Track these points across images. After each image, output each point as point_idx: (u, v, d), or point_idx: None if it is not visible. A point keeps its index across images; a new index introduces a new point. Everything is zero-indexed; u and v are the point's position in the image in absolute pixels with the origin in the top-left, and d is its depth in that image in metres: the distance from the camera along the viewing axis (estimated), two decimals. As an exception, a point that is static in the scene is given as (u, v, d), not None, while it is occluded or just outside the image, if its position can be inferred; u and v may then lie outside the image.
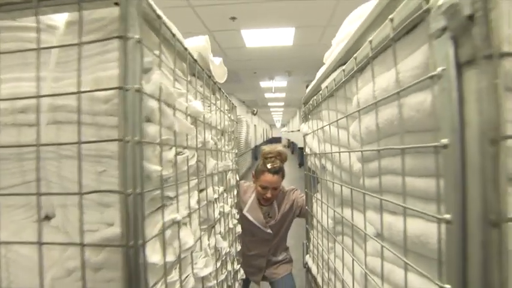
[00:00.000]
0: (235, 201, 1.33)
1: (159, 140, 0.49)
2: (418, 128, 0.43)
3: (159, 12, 0.50)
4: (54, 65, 0.51)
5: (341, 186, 0.75)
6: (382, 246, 0.51)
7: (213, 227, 0.84)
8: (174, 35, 0.56)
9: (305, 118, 1.26)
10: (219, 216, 0.90)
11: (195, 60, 0.70)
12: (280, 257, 1.72)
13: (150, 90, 0.47)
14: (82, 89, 0.43)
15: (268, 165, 1.50)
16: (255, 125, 13.86)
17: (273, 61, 4.75)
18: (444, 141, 0.33)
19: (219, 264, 0.87)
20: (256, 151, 11.92)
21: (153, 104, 0.48)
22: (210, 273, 0.72)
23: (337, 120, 0.76)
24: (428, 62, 0.39)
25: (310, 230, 1.27)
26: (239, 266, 1.30)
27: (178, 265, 0.56)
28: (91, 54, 0.48)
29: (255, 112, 11.89)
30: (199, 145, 0.69)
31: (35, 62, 0.44)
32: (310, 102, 1.12)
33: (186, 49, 0.63)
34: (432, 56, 0.36)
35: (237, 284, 1.23)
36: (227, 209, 1.02)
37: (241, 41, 3.71)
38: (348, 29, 0.83)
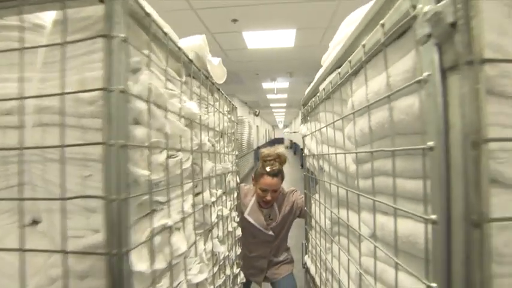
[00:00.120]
0: (236, 203, 1.31)
1: (148, 143, 0.48)
2: (408, 131, 0.44)
3: (148, 9, 0.48)
4: (41, 65, 0.50)
5: (337, 187, 0.76)
6: (375, 247, 0.52)
7: (210, 231, 0.83)
8: (165, 34, 0.54)
9: (304, 119, 1.27)
10: (216, 220, 0.88)
11: (191, 60, 0.68)
12: (281, 258, 1.73)
13: (138, 91, 0.46)
14: (67, 90, 0.42)
15: (267, 168, 1.50)
16: (257, 126, 13.88)
17: (274, 62, 4.76)
18: (430, 143, 0.34)
19: (216, 269, 0.85)
20: (258, 152, 11.91)
21: (141, 105, 0.46)
22: (206, 279, 0.70)
23: (333, 122, 0.77)
24: (416, 66, 0.40)
25: (309, 230, 1.28)
26: (239, 269, 1.28)
27: (169, 272, 0.54)
28: (77, 54, 0.46)
29: (257, 113, 11.90)
30: (195, 147, 0.68)
31: (21, 62, 0.43)
32: (309, 104, 1.13)
33: (180, 48, 0.61)
34: (419, 61, 0.37)
35: (236, 288, 1.20)
36: (226, 212, 1.00)
37: (242, 42, 3.73)
38: (345, 31, 0.84)
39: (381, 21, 0.45)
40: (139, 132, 0.47)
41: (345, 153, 0.69)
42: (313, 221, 1.17)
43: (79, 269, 0.45)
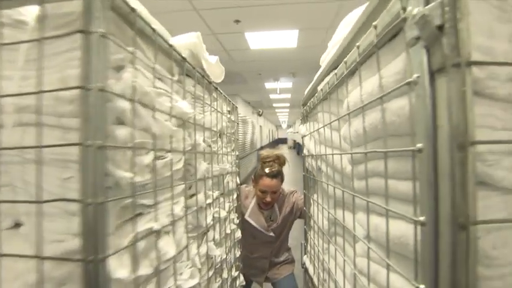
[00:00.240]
0: (235, 205, 1.29)
1: (132, 144, 0.46)
2: (400, 132, 0.44)
3: (134, 4, 0.46)
4: (22, 63, 0.48)
5: (334, 188, 0.76)
6: (369, 248, 0.52)
7: (205, 233, 0.80)
8: (154, 30, 0.52)
9: (303, 120, 1.27)
10: (212, 222, 0.86)
11: (184, 58, 0.65)
12: (282, 258, 1.74)
13: (121, 90, 0.44)
14: (47, 88, 0.40)
15: (267, 170, 1.50)
16: (260, 126, 13.88)
17: (277, 63, 4.76)
18: (419, 145, 0.34)
19: (211, 272, 0.82)
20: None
21: (124, 104, 0.44)
22: (199, 284, 0.68)
23: (330, 123, 0.77)
24: (407, 68, 0.40)
25: (308, 231, 1.28)
26: (237, 272, 1.26)
27: (156, 278, 0.52)
28: (60, 51, 0.44)
29: (260, 113, 11.90)
30: (189, 148, 0.66)
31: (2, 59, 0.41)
32: (308, 104, 1.13)
33: (171, 46, 0.58)
34: (409, 63, 0.37)
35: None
36: (223, 214, 0.97)
37: (245, 43, 3.73)
38: (343, 32, 0.84)
39: (374, 23, 0.45)
40: (122, 132, 0.44)
41: (341, 154, 0.70)
42: (312, 221, 1.17)
43: (57, 275, 0.43)
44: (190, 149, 0.67)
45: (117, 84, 0.44)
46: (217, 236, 0.90)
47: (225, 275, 1.00)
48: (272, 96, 8.50)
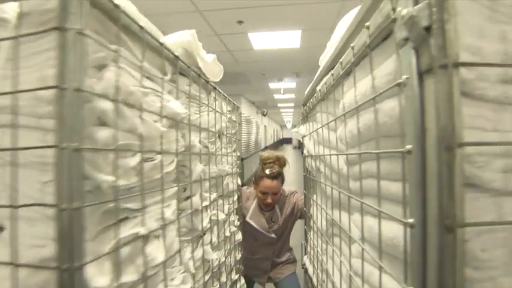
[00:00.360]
0: (235, 207, 1.26)
1: (115, 146, 0.43)
2: (392, 133, 0.44)
3: (120, 1, 0.44)
4: (3, 61, 0.46)
5: (331, 188, 0.76)
6: (363, 249, 0.51)
7: (201, 237, 0.77)
8: (141, 28, 0.49)
9: (303, 120, 1.27)
10: (209, 225, 0.83)
11: (176, 57, 0.62)
12: (284, 258, 1.74)
13: (102, 89, 0.42)
14: (24, 88, 0.38)
15: (267, 171, 1.50)
16: (265, 126, 13.87)
17: (280, 63, 4.75)
18: (408, 147, 0.34)
19: (208, 277, 0.80)
20: (265, 152, 11.90)
21: (105, 104, 0.42)
22: None
23: (328, 123, 0.77)
24: (397, 69, 0.40)
25: (308, 231, 1.27)
26: (238, 275, 1.25)
27: (143, 284, 0.49)
28: (40, 50, 0.42)
29: (265, 113, 11.90)
30: (182, 149, 0.63)
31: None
32: (308, 104, 1.13)
33: (161, 44, 0.56)
34: (399, 64, 0.37)
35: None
36: (222, 216, 0.95)
37: (248, 43, 3.73)
38: (341, 32, 0.84)
39: (366, 24, 0.45)
40: (104, 134, 0.42)
41: (337, 155, 0.69)
42: (311, 222, 1.17)
43: (33, 282, 0.40)
44: (183, 150, 0.65)
45: (99, 83, 0.42)
46: (214, 239, 0.88)
47: (223, 278, 0.97)
48: (276, 96, 8.49)
